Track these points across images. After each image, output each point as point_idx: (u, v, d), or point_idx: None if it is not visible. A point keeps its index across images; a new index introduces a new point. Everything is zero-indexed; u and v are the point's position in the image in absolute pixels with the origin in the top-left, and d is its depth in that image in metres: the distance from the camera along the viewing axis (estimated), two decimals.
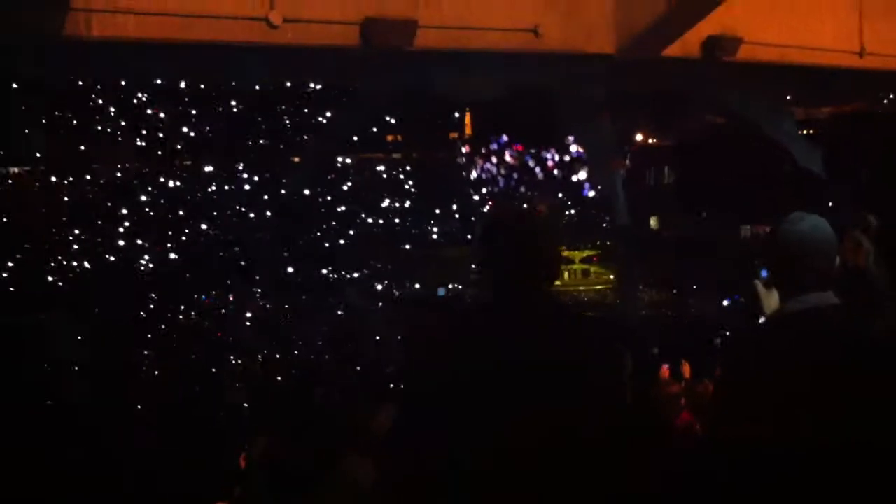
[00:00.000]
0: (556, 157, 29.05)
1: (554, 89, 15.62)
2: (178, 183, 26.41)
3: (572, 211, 36.99)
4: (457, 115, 32.76)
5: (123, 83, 23.46)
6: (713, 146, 28.50)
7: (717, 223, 29.33)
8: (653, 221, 36.04)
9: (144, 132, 25.55)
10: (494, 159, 29.88)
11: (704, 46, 10.80)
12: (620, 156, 27.97)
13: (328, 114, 27.51)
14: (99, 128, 24.93)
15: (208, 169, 27.25)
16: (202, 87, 25.62)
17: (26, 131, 23.69)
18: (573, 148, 28.46)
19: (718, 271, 26.08)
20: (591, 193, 30.08)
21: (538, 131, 27.88)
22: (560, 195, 31.43)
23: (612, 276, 31.97)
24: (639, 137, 31.71)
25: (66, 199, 25.12)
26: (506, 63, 10.88)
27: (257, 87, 24.74)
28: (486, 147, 30.01)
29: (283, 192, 28.06)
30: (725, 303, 24.08)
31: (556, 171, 29.36)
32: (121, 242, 24.92)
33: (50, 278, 23.89)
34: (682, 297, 28.38)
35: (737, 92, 15.54)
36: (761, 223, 28.14)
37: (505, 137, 29.50)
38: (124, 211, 25.39)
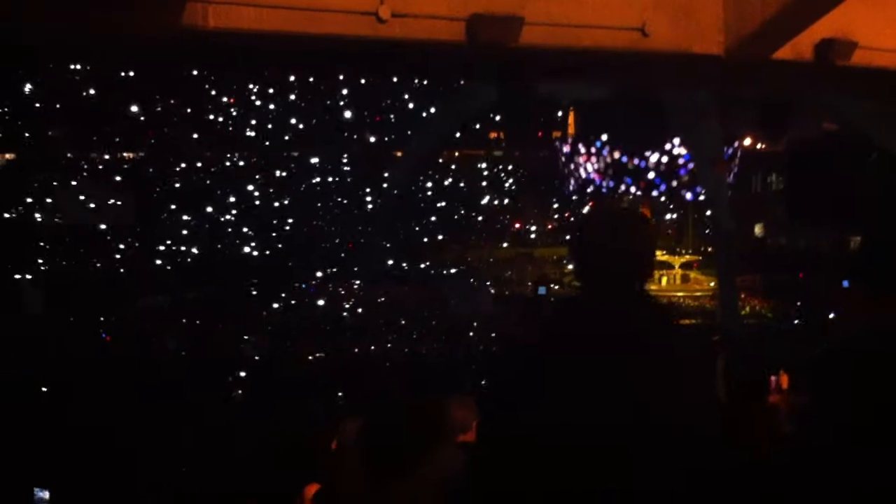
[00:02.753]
0: (661, 159, 28.59)
1: (661, 90, 15.39)
2: (284, 173, 27.07)
3: (674, 215, 36.42)
4: (560, 113, 32.61)
5: (234, 75, 24.16)
6: (824, 154, 27.60)
7: (826, 233, 28.45)
8: (758, 229, 35.19)
9: (254, 122, 26.27)
10: (597, 159, 29.62)
11: (817, 49, 10.47)
12: (727, 160, 27.37)
13: (432, 110, 27.76)
14: (211, 117, 25.74)
15: (314, 160, 27.85)
16: (311, 80, 26.22)
17: (142, 118, 24.63)
18: (678, 150, 27.97)
19: (824, 282, 25.29)
20: (695, 197, 29.51)
21: (643, 132, 27.49)
22: (662, 198, 30.95)
23: (712, 283, 31.31)
24: (747, 142, 30.95)
25: (177, 185, 25.99)
26: (613, 62, 10.78)
27: (363, 82, 25.17)
28: (588, 146, 29.77)
29: (385, 185, 28.45)
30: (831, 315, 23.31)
31: (659, 174, 28.90)
32: (228, 230, 25.70)
33: (158, 262, 24.78)
34: (785, 307, 27.63)
35: (850, 98, 15.00)
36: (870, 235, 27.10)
37: (608, 137, 29.20)
38: (232, 199, 26.15)
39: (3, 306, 20.02)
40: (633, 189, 29.22)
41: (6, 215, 24.01)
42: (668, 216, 36.28)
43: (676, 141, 27.63)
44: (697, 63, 10.61)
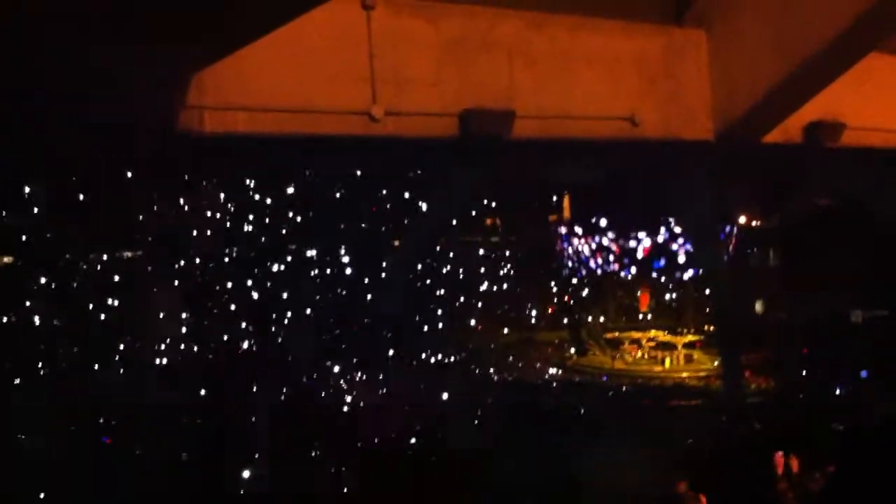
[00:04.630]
0: (657, 240, 28.73)
1: (653, 174, 15.54)
2: (282, 267, 27.13)
3: (673, 295, 36.36)
4: (555, 198, 32.90)
5: (232, 172, 24.45)
6: (819, 228, 27.72)
7: (826, 307, 28.36)
8: (758, 305, 35.09)
9: (252, 217, 26.47)
10: (593, 241, 29.76)
11: (806, 132, 10.63)
12: (723, 239, 27.48)
13: (427, 200, 28.02)
14: (209, 213, 25.94)
15: (311, 253, 27.96)
16: (307, 173, 26.54)
17: (140, 218, 24.81)
18: (674, 231, 28.12)
19: (828, 357, 25.09)
20: (694, 277, 29.56)
21: (638, 214, 27.70)
22: (661, 278, 31.01)
23: (716, 363, 31.05)
24: (742, 220, 31.13)
25: (175, 282, 26.00)
26: (604, 149, 10.92)
27: (359, 174, 25.44)
28: (584, 229, 29.95)
29: (383, 275, 28.51)
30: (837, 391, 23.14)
31: (656, 254, 29.00)
32: (226, 325, 25.65)
33: (159, 361, 24.67)
34: (789, 383, 27.37)
35: (843, 174, 15.16)
36: (872, 308, 27.09)
37: (604, 219, 29.39)
38: (229, 295, 26.18)
39: None
40: (632, 270, 29.30)
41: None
42: (667, 296, 36.23)
43: (672, 221, 27.81)
44: (688, 148, 10.75)
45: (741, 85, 10.12)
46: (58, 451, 17.22)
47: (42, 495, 15.27)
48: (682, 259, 29.04)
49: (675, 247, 28.97)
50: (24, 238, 25.17)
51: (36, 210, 24.79)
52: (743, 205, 29.00)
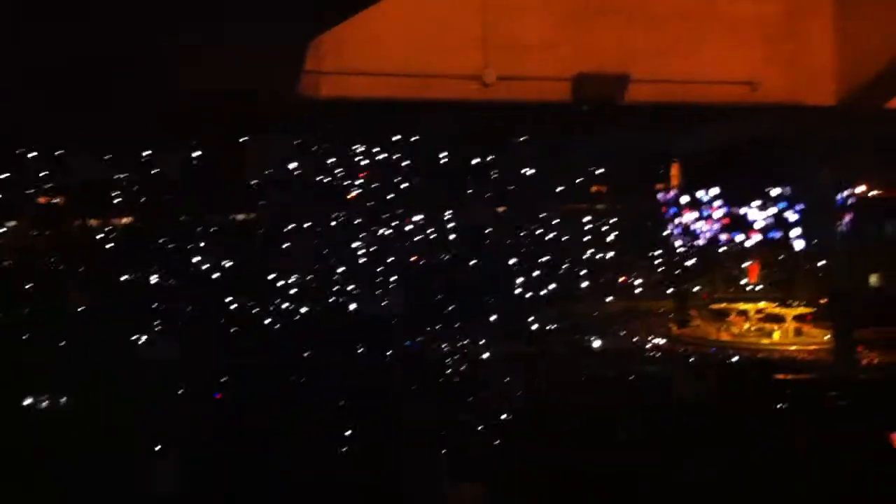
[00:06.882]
0: (770, 210, 27.96)
1: (771, 140, 15.15)
2: (388, 231, 27.52)
3: (785, 266, 35.36)
4: (666, 166, 32.28)
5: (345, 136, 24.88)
6: None
7: None
8: (873, 278, 33.87)
9: (361, 182, 26.92)
10: (702, 211, 29.14)
11: None
12: (841, 208, 26.57)
13: (535, 166, 27.91)
14: (321, 177, 26.50)
15: (417, 218, 28.24)
16: (414, 139, 26.76)
17: (254, 181, 25.51)
18: (789, 200, 27.32)
19: None
20: (807, 247, 28.68)
21: (753, 182, 26.99)
22: (774, 249, 30.18)
23: (826, 337, 30.14)
24: (861, 189, 29.98)
25: (284, 246, 26.68)
26: (721, 114, 10.72)
27: (468, 139, 25.52)
28: (694, 198, 29.35)
29: (487, 241, 28.60)
30: None
31: (768, 224, 28.24)
32: (335, 288, 26.22)
33: (267, 321, 25.39)
34: None
35: None
36: None
37: (716, 189, 28.74)
38: (337, 259, 26.73)
39: None
40: (742, 239, 28.61)
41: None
42: (778, 267, 35.27)
43: (788, 190, 27.02)
44: (810, 113, 10.45)
45: (867, 48, 9.76)
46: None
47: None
48: (796, 229, 28.19)
49: (789, 216, 28.14)
50: (142, 199, 26.27)
51: (156, 171, 25.78)
52: (864, 174, 27.94)
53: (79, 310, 23.67)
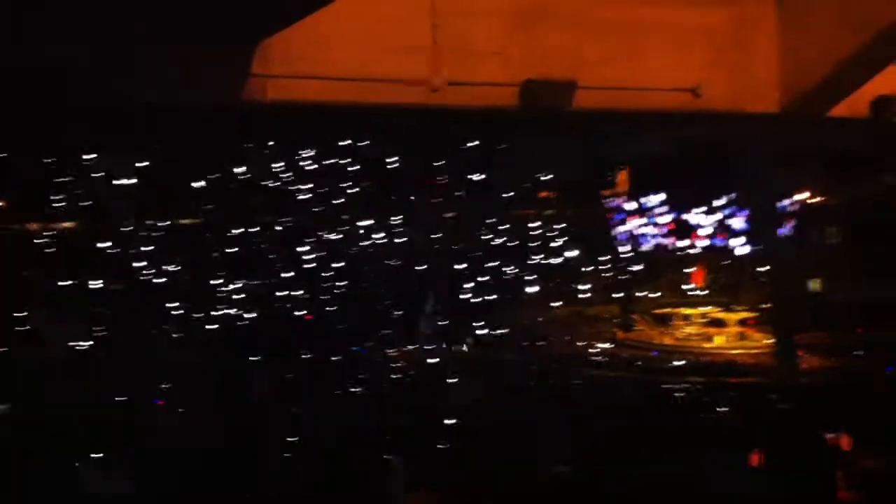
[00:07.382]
0: (714, 216, 28.38)
1: (715, 148, 15.36)
2: (337, 236, 27.39)
3: (729, 271, 35.90)
4: (613, 172, 32.60)
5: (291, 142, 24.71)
6: (885, 207, 27.08)
7: (885, 286, 27.85)
8: (814, 284, 34.54)
9: (309, 187, 26.76)
10: (649, 217, 29.49)
11: (873, 107, 10.39)
12: (784, 214, 27.05)
13: (484, 172, 28.01)
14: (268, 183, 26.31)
15: (365, 223, 28.13)
16: (362, 144, 26.68)
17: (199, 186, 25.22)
18: (732, 206, 27.75)
19: (881, 340, 24.68)
20: (751, 253, 29.15)
21: (698, 189, 27.38)
22: (718, 254, 30.64)
23: (769, 340, 30.66)
24: (804, 195, 30.53)
25: (234, 249, 26.42)
26: (666, 121, 10.81)
27: (417, 145, 25.53)
28: (641, 204, 29.69)
29: (435, 246, 28.60)
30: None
31: (712, 230, 28.65)
32: (279, 293, 26.02)
33: (209, 326, 25.12)
34: (846, 363, 27.00)
35: None
36: None
37: (662, 195, 29.11)
38: (284, 262, 26.51)
39: None
40: (687, 245, 28.99)
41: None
42: (722, 273, 35.79)
43: (732, 196, 27.44)
44: (754, 121, 10.58)
45: (810, 57, 9.92)
46: None
47: None
48: (739, 235, 28.67)
49: (733, 222, 28.60)
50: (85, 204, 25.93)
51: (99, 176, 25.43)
52: (807, 181, 28.50)
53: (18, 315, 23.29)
